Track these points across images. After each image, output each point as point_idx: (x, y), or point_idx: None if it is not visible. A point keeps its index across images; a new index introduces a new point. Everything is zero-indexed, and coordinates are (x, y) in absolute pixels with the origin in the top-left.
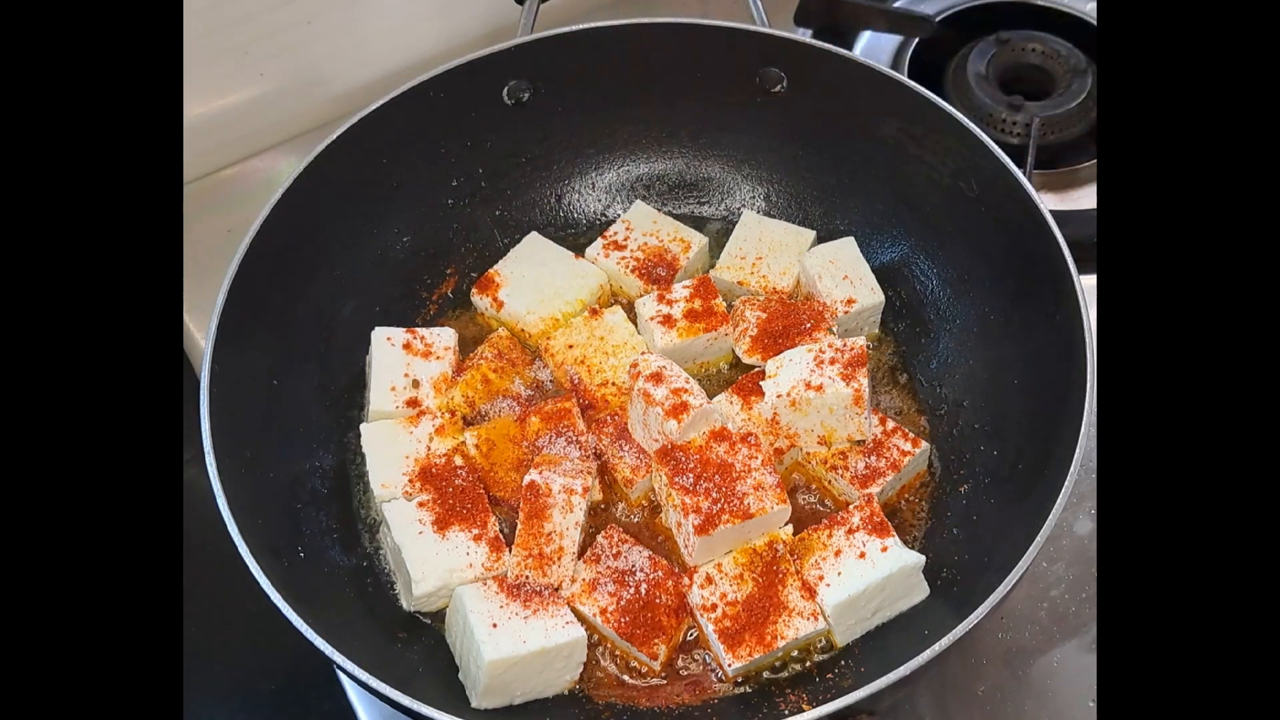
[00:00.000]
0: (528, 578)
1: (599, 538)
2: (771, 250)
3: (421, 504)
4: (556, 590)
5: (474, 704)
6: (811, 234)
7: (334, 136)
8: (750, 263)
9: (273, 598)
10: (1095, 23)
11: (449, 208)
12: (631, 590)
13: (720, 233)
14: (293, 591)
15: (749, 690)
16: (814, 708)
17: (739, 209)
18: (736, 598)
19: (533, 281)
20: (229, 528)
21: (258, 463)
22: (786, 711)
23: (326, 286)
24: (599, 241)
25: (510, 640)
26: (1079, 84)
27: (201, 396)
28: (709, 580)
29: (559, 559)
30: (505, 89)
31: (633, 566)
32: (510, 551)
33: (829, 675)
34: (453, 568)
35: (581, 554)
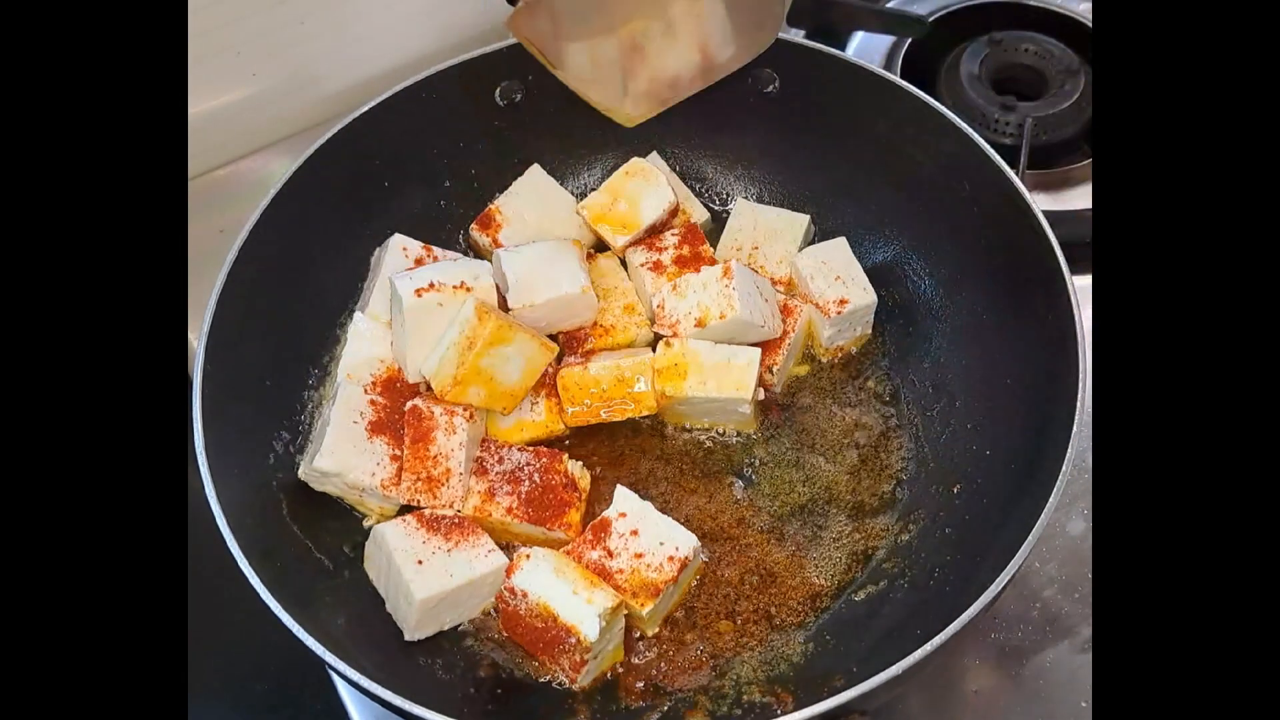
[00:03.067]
0: (419, 501)
1: (478, 452)
2: (767, 239)
3: (372, 402)
4: (458, 514)
5: (407, 637)
6: (805, 218)
7: (327, 137)
8: (747, 253)
9: (265, 599)
10: (1088, 23)
11: (441, 209)
12: (526, 484)
13: (713, 233)
14: (285, 593)
15: (740, 689)
16: (805, 707)
17: (731, 208)
18: (524, 620)
19: (533, 223)
20: (221, 529)
21: (250, 463)
22: (778, 711)
23: (319, 287)
24: (594, 196)
25: (438, 576)
26: (1072, 84)
27: (194, 397)
28: (513, 592)
29: (447, 480)
30: (498, 89)
31: (518, 464)
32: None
33: (819, 674)
34: (357, 465)
35: None
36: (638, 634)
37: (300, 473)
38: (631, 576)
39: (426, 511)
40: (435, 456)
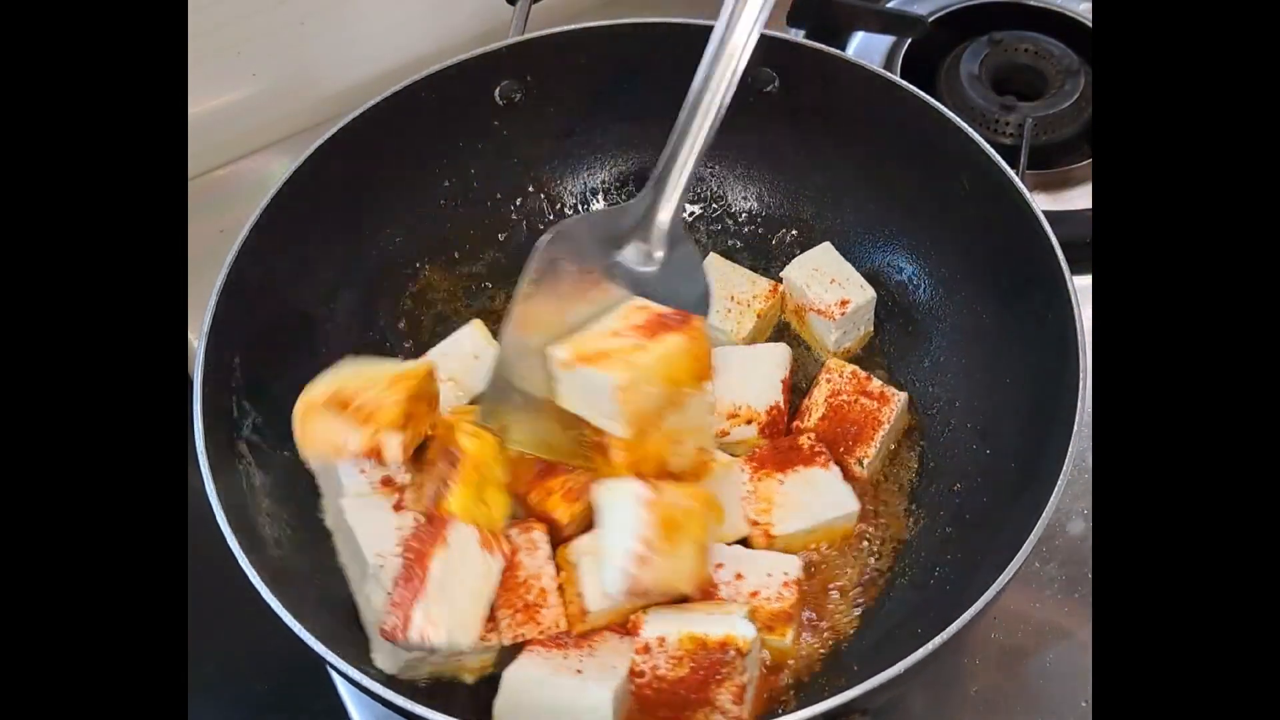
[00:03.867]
0: (522, 635)
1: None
2: (738, 302)
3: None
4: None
5: None
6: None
7: (326, 137)
8: (716, 305)
9: (266, 599)
10: (1088, 23)
11: (441, 208)
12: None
13: (714, 235)
14: (286, 591)
15: None
16: (805, 707)
17: (731, 208)
18: (667, 675)
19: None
20: (222, 528)
21: (250, 462)
22: (780, 710)
23: (319, 287)
24: None
25: (605, 674)
26: (1071, 84)
27: (194, 396)
28: (646, 649)
29: (546, 601)
30: (497, 89)
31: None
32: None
33: (821, 673)
34: (455, 627)
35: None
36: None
37: (385, 666)
38: (759, 614)
39: (504, 642)
40: (526, 581)
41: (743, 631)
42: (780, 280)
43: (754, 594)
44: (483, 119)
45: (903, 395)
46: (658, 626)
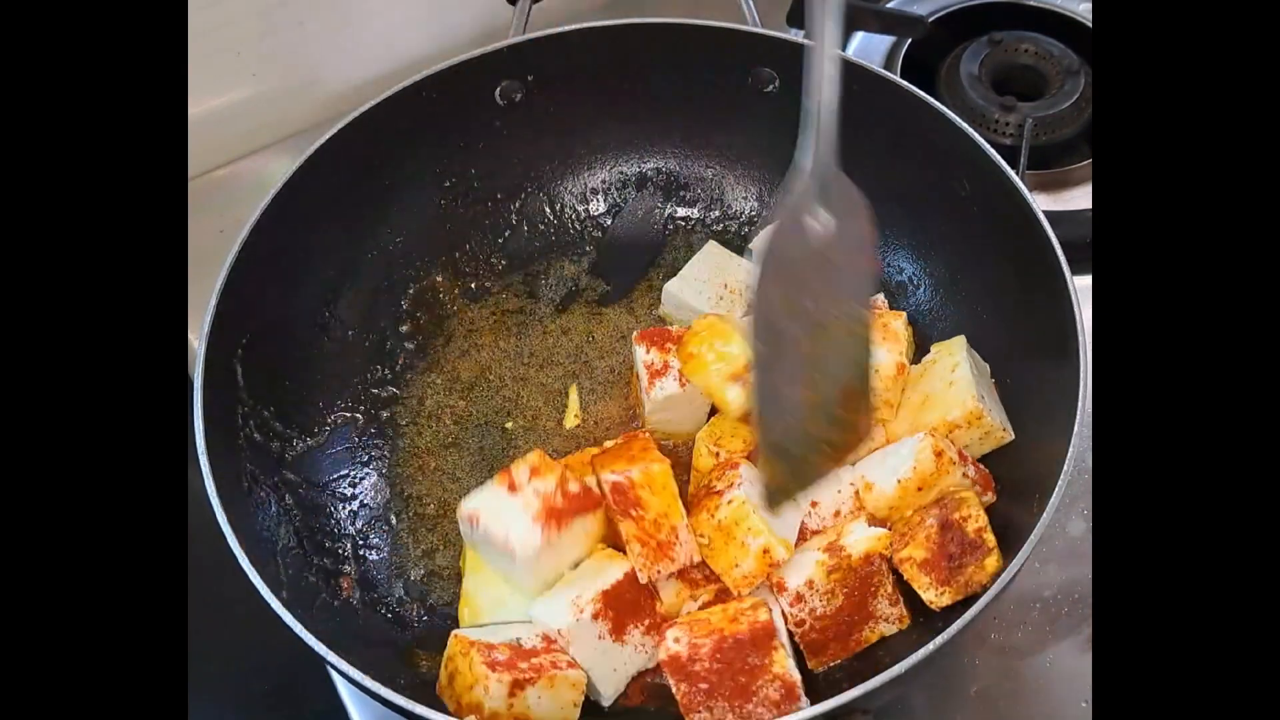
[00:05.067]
0: (659, 572)
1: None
2: (731, 290)
3: (595, 615)
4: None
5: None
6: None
7: (327, 137)
8: (708, 291)
9: (266, 598)
10: (1088, 23)
11: (441, 208)
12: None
13: (714, 235)
14: (285, 592)
15: None
16: (808, 706)
17: (731, 208)
18: (826, 612)
19: None
20: (223, 529)
21: (252, 462)
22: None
23: (319, 287)
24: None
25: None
26: (1071, 84)
27: (194, 397)
28: (799, 599)
29: (677, 537)
30: (498, 89)
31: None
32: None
33: (823, 673)
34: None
35: None
36: (629, 639)
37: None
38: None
39: (644, 580)
40: (655, 520)
41: (876, 535)
42: None
43: (836, 514)
44: (483, 119)
45: (901, 316)
46: (798, 575)
